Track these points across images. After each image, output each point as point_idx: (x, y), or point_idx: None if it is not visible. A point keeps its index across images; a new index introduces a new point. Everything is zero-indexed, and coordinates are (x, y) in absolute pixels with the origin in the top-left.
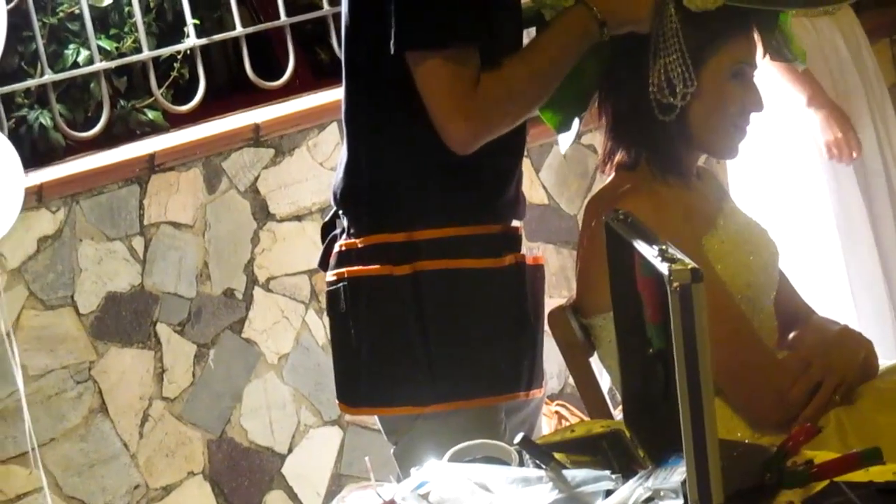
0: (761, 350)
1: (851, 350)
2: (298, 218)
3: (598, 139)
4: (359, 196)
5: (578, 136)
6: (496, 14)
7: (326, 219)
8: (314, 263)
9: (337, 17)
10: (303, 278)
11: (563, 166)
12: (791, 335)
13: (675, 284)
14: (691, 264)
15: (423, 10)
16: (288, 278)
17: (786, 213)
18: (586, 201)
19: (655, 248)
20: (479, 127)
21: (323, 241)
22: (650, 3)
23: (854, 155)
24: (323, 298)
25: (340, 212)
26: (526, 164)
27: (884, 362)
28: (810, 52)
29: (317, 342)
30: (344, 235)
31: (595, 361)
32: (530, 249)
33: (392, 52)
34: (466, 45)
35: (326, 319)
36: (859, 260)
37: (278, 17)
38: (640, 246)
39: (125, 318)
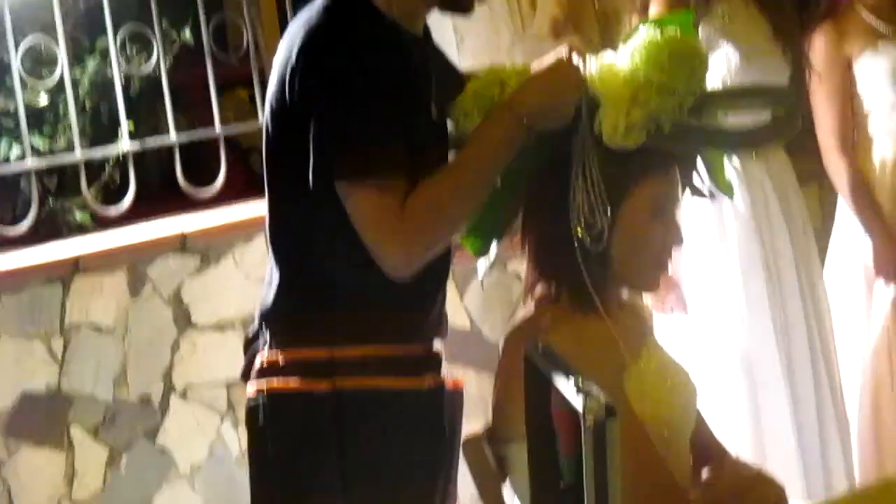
0: (674, 491)
1: (763, 495)
2: (220, 328)
3: (522, 267)
4: (283, 311)
5: (503, 263)
6: (421, 137)
7: (251, 334)
8: (233, 374)
9: None
10: (220, 389)
11: (488, 292)
12: (705, 474)
13: (589, 419)
14: (606, 400)
15: (347, 143)
16: (206, 388)
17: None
18: (506, 332)
19: (572, 381)
20: (412, 250)
21: (245, 353)
22: (574, 97)
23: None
24: (240, 410)
25: (263, 325)
26: (450, 288)
27: None
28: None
29: (231, 454)
30: (266, 349)
31: (508, 489)
32: (449, 372)
33: (312, 183)
34: (391, 173)
35: (242, 432)
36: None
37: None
38: (558, 379)
39: (39, 419)
